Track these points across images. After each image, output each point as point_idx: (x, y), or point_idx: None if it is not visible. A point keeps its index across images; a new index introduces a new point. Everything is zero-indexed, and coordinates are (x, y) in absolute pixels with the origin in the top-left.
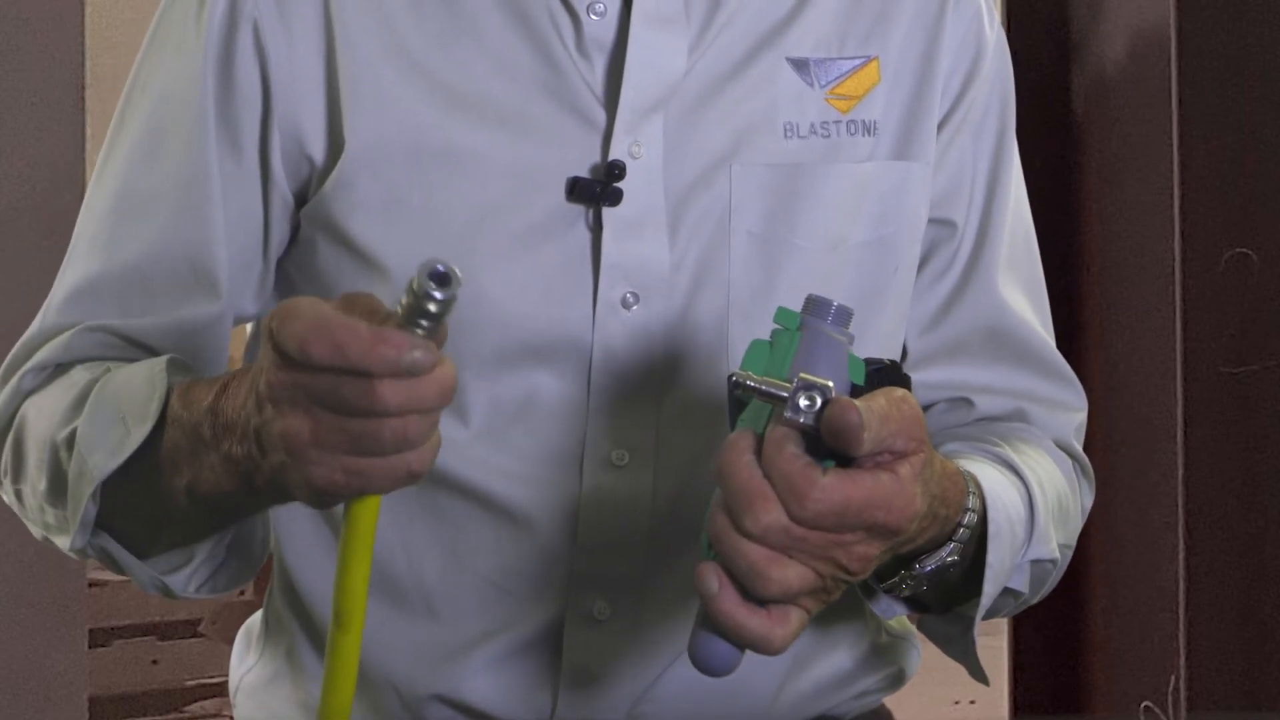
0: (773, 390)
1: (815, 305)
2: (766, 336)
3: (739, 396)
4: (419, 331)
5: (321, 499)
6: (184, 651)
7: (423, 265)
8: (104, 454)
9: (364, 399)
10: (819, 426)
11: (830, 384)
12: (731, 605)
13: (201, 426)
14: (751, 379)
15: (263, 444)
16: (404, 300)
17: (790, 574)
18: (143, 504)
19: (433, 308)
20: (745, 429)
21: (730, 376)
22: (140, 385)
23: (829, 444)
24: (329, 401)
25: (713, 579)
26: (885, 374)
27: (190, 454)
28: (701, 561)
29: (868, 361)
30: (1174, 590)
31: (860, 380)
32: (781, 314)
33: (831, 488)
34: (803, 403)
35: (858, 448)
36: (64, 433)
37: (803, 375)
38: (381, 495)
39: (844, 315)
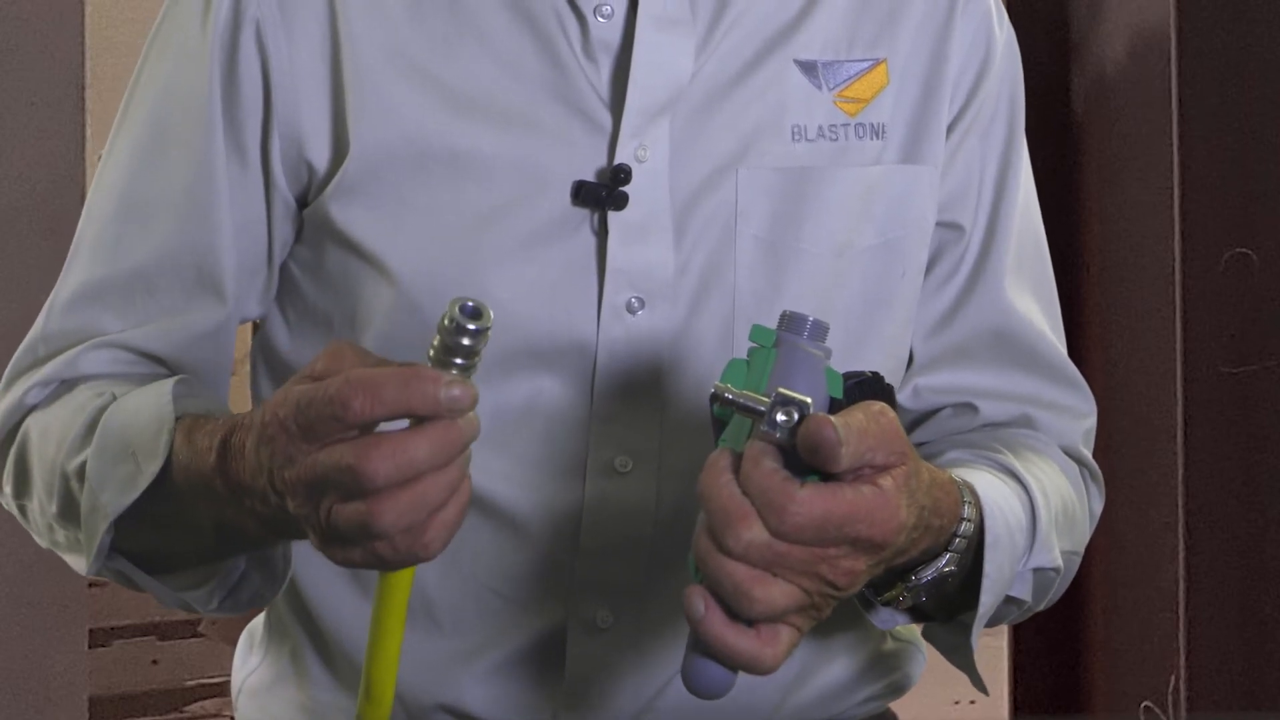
0: (751, 404)
1: (791, 321)
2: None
3: (718, 414)
4: (453, 371)
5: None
6: (184, 651)
7: (453, 301)
8: (116, 490)
9: (346, 477)
10: (796, 443)
11: (808, 400)
12: (720, 627)
13: (213, 483)
14: (730, 392)
15: (292, 516)
16: (435, 341)
17: (775, 592)
18: (159, 530)
19: (466, 341)
20: (725, 449)
21: (711, 391)
22: (148, 419)
23: (806, 461)
24: (326, 488)
25: (699, 602)
26: (866, 386)
27: (207, 499)
28: (689, 585)
29: (850, 375)
30: (1174, 590)
31: (839, 394)
32: (757, 331)
33: (810, 501)
34: (780, 418)
35: (835, 464)
36: (74, 463)
37: (780, 390)
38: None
39: (820, 330)
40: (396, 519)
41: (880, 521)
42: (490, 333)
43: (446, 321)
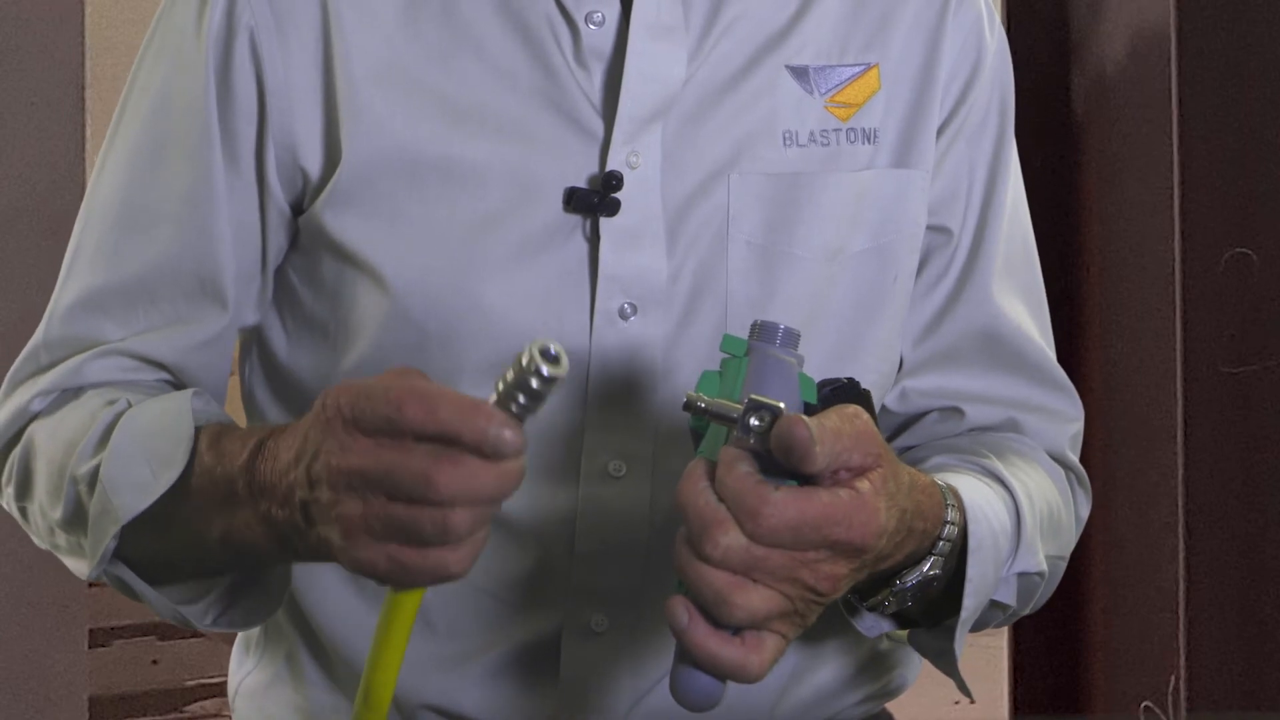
0: (724, 412)
1: (762, 329)
2: None
3: (694, 425)
4: (513, 409)
5: (365, 576)
6: (184, 651)
7: (534, 342)
8: (130, 495)
9: (418, 483)
10: (770, 446)
11: (781, 404)
12: (703, 636)
13: (236, 483)
14: (703, 400)
15: (310, 516)
16: (507, 376)
17: (755, 598)
18: (165, 540)
19: (535, 384)
20: (702, 458)
21: (684, 400)
22: (167, 427)
23: (782, 462)
24: (384, 484)
25: (682, 612)
26: (843, 392)
27: (223, 505)
28: (672, 595)
29: (826, 382)
30: (1174, 590)
31: (813, 399)
32: (728, 341)
33: (785, 504)
34: (753, 422)
35: (810, 464)
36: (85, 468)
37: (753, 396)
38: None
39: (792, 337)
40: (469, 526)
41: (859, 525)
42: (559, 385)
43: (524, 361)
